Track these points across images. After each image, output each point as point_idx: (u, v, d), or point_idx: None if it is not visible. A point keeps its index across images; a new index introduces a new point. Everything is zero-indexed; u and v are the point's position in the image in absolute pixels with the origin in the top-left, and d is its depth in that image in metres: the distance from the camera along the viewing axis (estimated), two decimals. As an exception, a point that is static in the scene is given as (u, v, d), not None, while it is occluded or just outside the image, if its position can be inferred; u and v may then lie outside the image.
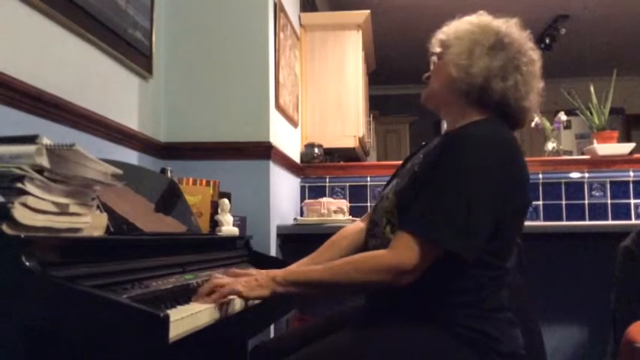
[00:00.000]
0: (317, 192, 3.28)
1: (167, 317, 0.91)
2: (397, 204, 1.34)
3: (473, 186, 1.24)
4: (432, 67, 1.50)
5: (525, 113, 1.41)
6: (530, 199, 1.40)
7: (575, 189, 3.17)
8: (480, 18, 1.45)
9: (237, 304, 1.29)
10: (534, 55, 1.42)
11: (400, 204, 1.33)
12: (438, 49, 1.47)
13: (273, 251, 2.54)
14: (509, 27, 1.41)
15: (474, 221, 1.22)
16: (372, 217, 1.46)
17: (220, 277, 1.28)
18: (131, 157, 2.16)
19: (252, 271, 1.31)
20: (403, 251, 1.22)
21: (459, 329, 1.25)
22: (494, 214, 1.25)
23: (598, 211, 3.14)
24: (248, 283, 1.25)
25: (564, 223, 3.08)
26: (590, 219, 3.14)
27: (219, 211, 2.06)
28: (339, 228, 1.62)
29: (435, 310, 1.26)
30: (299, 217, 2.93)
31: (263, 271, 1.29)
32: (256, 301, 1.34)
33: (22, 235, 0.92)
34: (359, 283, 1.26)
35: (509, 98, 1.37)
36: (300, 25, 3.48)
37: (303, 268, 1.32)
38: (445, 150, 1.31)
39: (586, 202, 3.16)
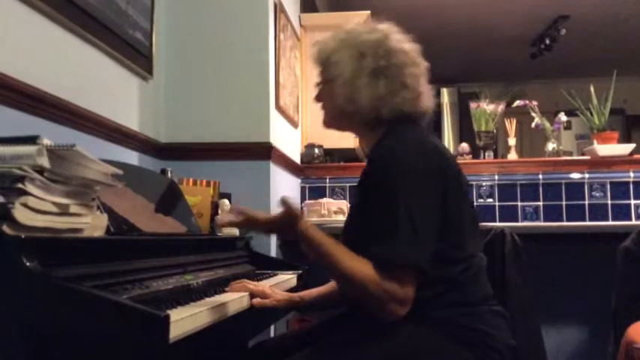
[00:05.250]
0: (317, 192, 3.28)
1: (167, 317, 0.91)
2: (345, 241, 1.32)
3: (405, 193, 1.21)
4: (318, 87, 1.46)
5: (424, 110, 1.39)
6: (464, 180, 1.35)
7: (576, 190, 3.17)
8: (358, 37, 1.37)
9: (238, 304, 1.29)
10: (413, 55, 1.37)
11: (349, 241, 1.31)
12: (321, 72, 1.42)
13: (273, 252, 2.54)
14: (387, 40, 1.36)
15: (420, 229, 1.19)
16: None
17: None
18: (131, 157, 2.16)
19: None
20: (385, 284, 1.19)
21: (449, 328, 1.25)
22: (436, 211, 1.24)
23: (598, 212, 3.14)
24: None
25: (564, 223, 3.08)
26: (590, 220, 3.14)
27: (220, 211, 2.06)
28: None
29: (423, 315, 1.24)
30: (299, 218, 2.92)
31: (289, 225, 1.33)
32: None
33: (23, 236, 0.92)
34: (353, 285, 1.24)
35: (402, 110, 1.35)
36: (301, 25, 3.48)
37: (324, 235, 1.29)
38: (366, 173, 1.31)
39: (586, 202, 3.16)
